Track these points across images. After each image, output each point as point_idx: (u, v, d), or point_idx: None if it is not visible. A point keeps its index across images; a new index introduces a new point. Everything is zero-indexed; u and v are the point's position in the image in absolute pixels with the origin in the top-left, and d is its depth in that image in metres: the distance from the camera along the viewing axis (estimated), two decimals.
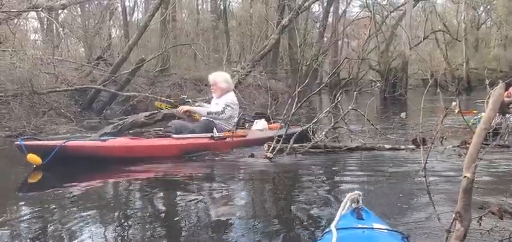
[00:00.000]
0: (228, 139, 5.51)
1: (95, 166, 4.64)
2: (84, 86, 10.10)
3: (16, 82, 7.78)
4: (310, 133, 5.86)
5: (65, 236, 2.70)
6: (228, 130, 5.66)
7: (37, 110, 8.12)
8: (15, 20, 10.35)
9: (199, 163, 5.09)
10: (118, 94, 10.32)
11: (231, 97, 5.83)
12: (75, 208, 3.33)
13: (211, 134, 5.39)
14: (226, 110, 5.64)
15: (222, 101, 5.72)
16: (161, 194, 3.92)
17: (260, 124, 6.52)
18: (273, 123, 6.77)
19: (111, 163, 4.74)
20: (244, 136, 5.79)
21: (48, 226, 2.91)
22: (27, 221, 3.01)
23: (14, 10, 9.07)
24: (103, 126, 7.17)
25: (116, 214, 3.26)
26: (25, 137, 5.16)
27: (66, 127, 7.68)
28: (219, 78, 5.82)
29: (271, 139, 5.75)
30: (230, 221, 3.01)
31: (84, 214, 3.14)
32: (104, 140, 5.00)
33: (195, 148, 5.28)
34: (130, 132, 5.74)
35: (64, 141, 4.64)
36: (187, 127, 5.54)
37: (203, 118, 5.67)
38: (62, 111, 8.79)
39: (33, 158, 4.36)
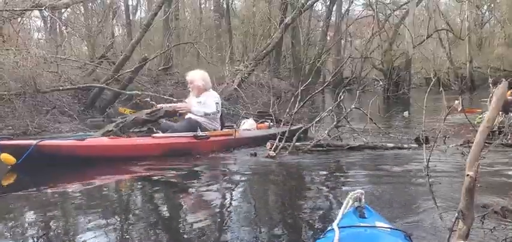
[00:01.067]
0: (211, 139, 5.45)
1: (75, 166, 4.49)
2: (87, 85, 10.09)
3: (19, 81, 7.78)
4: (313, 132, 5.86)
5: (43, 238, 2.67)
6: (214, 130, 5.63)
7: (40, 109, 8.14)
8: (19, 19, 10.37)
9: (200, 161, 5.07)
10: (121, 93, 10.34)
11: (216, 95, 5.86)
12: (53, 210, 3.25)
13: (195, 133, 5.31)
14: (217, 107, 5.66)
15: (205, 98, 5.66)
16: (162, 194, 3.88)
17: (247, 123, 6.48)
18: (262, 122, 6.74)
19: (99, 163, 4.60)
20: (230, 135, 5.73)
21: (24, 228, 2.87)
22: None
23: (18, 9, 9.08)
24: (106, 124, 7.18)
25: (118, 215, 3.26)
26: (0, 137, 4.95)
27: (69, 126, 7.70)
28: (196, 76, 5.79)
29: (258, 139, 5.76)
30: (232, 219, 3.01)
31: (64, 215, 3.12)
32: (82, 139, 4.85)
33: (177, 147, 5.16)
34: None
35: (38, 140, 4.51)
36: (172, 125, 5.49)
37: (187, 116, 5.61)
38: (65, 109, 8.80)
39: (7, 158, 4.24)
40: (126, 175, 4.54)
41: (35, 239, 2.63)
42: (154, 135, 5.19)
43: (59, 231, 2.76)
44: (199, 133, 5.34)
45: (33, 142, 4.41)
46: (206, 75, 5.91)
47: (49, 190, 3.85)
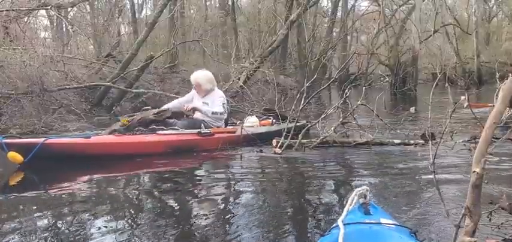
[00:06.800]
0: (215, 135, 5.49)
1: (80, 164, 4.51)
2: (94, 83, 10.14)
3: (26, 80, 7.82)
4: (319, 128, 5.85)
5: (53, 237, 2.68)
6: (217, 127, 5.68)
7: (47, 108, 8.17)
8: (25, 18, 10.44)
9: (205, 158, 5.09)
10: (127, 91, 10.37)
11: (223, 95, 5.94)
12: (62, 209, 3.28)
13: (198, 130, 5.36)
14: (224, 107, 5.75)
15: (212, 99, 5.72)
16: (169, 191, 3.89)
17: (250, 120, 6.54)
18: (264, 119, 6.78)
19: (105, 161, 4.64)
20: (233, 132, 5.78)
21: (33, 228, 2.88)
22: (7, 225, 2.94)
23: (24, 8, 9.14)
24: (113, 122, 7.20)
25: (124, 213, 3.27)
26: (6, 135, 4.98)
27: (76, 125, 7.73)
28: (203, 79, 5.80)
29: (262, 136, 5.78)
30: (238, 214, 3.01)
31: (70, 214, 3.13)
32: (88, 137, 4.89)
33: (182, 144, 5.21)
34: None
35: (45, 138, 4.56)
36: (175, 123, 5.51)
37: (196, 115, 5.65)
38: (72, 108, 8.83)
39: (15, 156, 4.25)
40: (131, 173, 4.56)
41: (42, 238, 2.64)
42: (159, 132, 5.22)
43: (65, 229, 2.78)
44: (203, 130, 5.38)
45: (40, 140, 4.45)
46: (211, 76, 5.95)
47: (55, 189, 3.87)
